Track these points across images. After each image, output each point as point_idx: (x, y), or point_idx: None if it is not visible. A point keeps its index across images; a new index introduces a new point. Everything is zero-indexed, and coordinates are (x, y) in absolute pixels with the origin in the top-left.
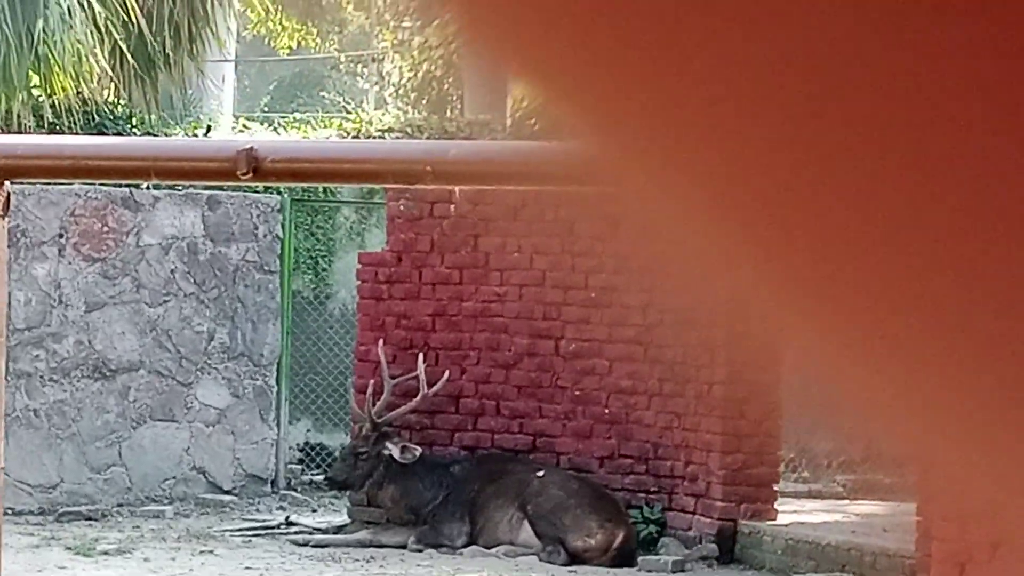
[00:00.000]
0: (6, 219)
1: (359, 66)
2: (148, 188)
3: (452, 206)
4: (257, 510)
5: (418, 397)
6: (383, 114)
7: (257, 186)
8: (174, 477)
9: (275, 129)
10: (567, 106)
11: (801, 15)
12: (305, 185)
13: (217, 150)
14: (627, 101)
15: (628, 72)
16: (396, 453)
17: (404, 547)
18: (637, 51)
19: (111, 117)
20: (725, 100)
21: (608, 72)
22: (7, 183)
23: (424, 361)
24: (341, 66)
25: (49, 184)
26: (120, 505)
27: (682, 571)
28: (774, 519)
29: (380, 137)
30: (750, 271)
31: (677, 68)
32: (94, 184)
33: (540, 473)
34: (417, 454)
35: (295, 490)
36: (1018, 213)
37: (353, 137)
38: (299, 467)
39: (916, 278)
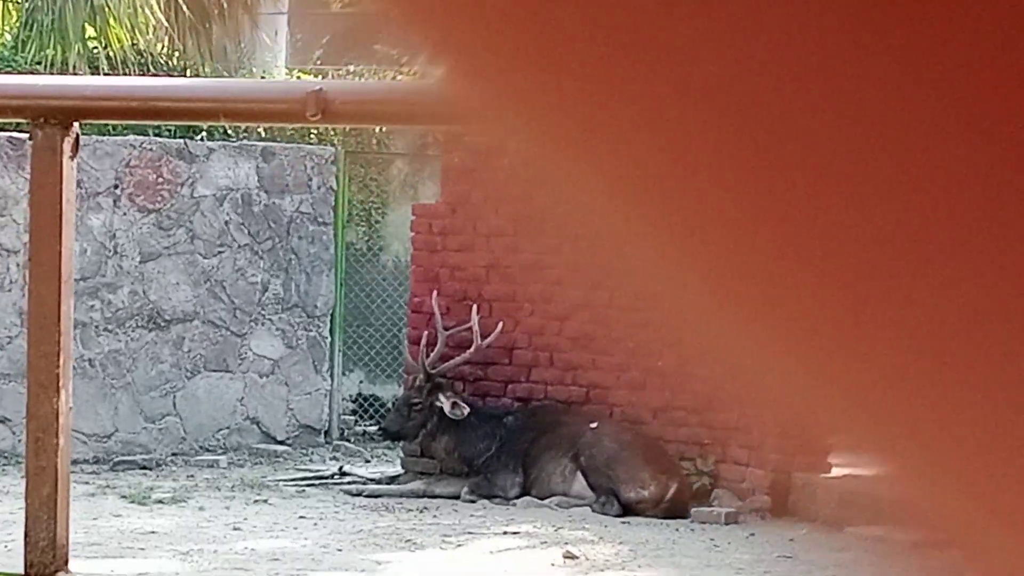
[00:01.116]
0: (75, 160)
1: None
2: (203, 139)
3: (506, 158)
4: (311, 460)
5: (472, 348)
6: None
7: (311, 138)
8: (228, 427)
9: None
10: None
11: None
12: (369, 127)
13: (286, 91)
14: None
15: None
16: (447, 408)
17: (457, 497)
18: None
19: (165, 68)
20: (674, 86)
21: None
22: (75, 124)
23: (478, 312)
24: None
25: (104, 135)
26: (175, 455)
27: (735, 523)
28: (828, 472)
29: None
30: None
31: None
32: (148, 135)
33: (593, 425)
34: (465, 412)
35: (348, 441)
36: (1010, 220)
37: None
38: (352, 418)
39: (900, 285)
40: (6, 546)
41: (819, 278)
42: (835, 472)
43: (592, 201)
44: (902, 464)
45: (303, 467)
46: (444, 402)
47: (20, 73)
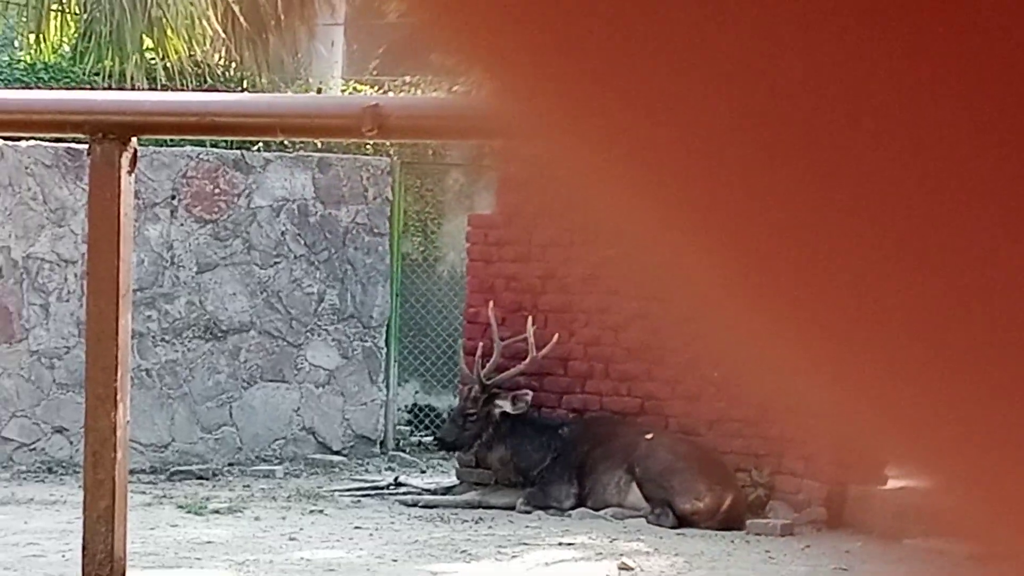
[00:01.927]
0: (132, 175)
1: None
2: (259, 150)
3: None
4: (366, 471)
5: (527, 360)
6: None
7: (367, 149)
8: (284, 437)
9: (385, 93)
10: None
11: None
12: (429, 142)
13: (342, 106)
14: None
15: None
16: (508, 406)
17: (512, 508)
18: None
19: (222, 79)
20: (696, 87)
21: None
22: (134, 140)
23: (533, 323)
24: None
25: (161, 146)
26: (231, 465)
27: (791, 535)
28: (884, 484)
29: None
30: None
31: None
32: (205, 146)
33: (648, 436)
34: (528, 400)
35: (404, 451)
36: (1010, 217)
37: None
38: (408, 428)
39: (902, 281)
40: (63, 555)
41: (846, 285)
42: (891, 484)
43: (628, 210)
44: (943, 476)
45: (359, 477)
46: (504, 402)
47: (78, 84)
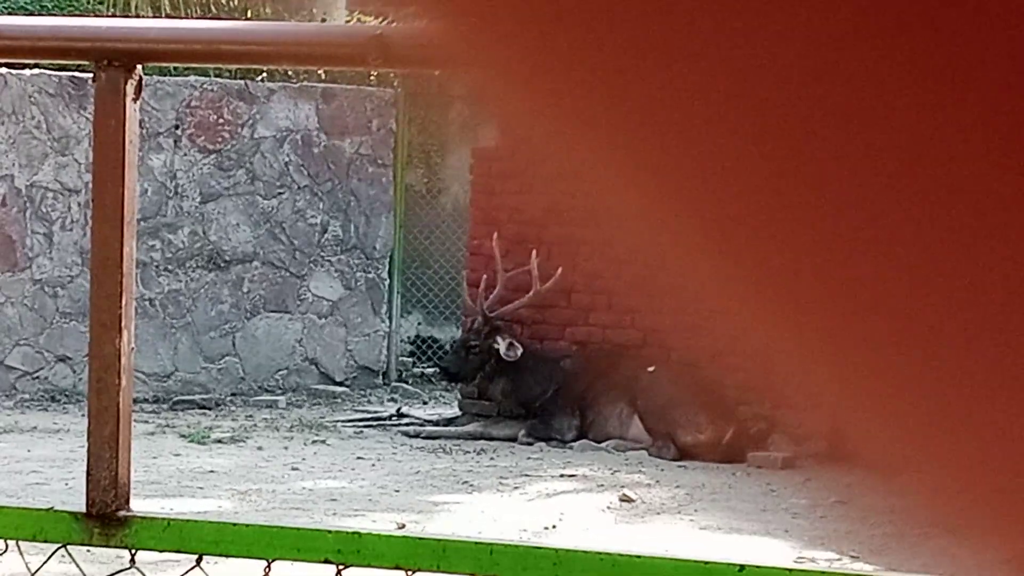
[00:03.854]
0: (138, 102)
1: None
2: (263, 80)
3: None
4: (368, 402)
5: (530, 292)
6: None
7: (371, 80)
8: (287, 368)
9: (390, 24)
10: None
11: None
12: (433, 73)
13: (348, 35)
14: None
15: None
16: (503, 349)
17: (514, 440)
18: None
19: (226, 9)
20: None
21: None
22: (139, 67)
23: (536, 256)
24: None
25: (165, 75)
26: (233, 395)
27: (792, 467)
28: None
29: None
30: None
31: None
32: (209, 76)
33: (651, 368)
34: (519, 353)
35: (406, 382)
36: (1010, 217)
37: None
38: (410, 360)
39: (898, 279)
40: (66, 484)
41: (826, 271)
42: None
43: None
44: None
45: (361, 408)
46: (500, 344)
47: (82, 13)
